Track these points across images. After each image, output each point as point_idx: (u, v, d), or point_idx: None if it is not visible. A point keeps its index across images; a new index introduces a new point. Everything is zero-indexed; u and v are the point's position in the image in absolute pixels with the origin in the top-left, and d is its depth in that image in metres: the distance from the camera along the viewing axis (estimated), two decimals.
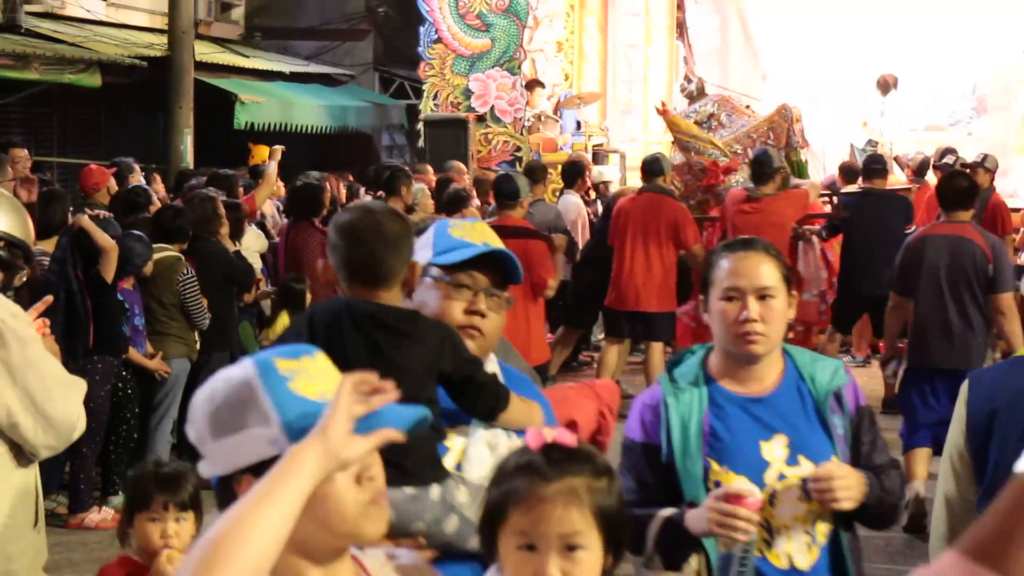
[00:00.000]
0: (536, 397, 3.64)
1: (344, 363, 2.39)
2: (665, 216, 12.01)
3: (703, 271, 3.84)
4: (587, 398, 4.17)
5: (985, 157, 14.30)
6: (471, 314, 3.54)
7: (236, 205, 11.12)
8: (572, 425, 3.81)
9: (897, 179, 15.85)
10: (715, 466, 3.61)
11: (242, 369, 2.26)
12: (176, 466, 4.34)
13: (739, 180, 14.00)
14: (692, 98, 16.78)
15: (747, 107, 16.65)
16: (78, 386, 4.40)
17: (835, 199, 13.32)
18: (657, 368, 11.57)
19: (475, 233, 3.59)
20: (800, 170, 14.78)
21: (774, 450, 3.62)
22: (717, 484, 3.55)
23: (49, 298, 4.48)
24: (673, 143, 15.76)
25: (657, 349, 12.18)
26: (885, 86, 18.83)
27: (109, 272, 8.69)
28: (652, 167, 12.57)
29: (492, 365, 3.63)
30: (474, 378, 3.39)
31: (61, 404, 4.22)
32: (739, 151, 14.89)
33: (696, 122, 16.00)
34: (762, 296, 3.66)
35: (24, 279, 4.79)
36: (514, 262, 3.60)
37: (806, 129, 16.21)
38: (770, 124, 15.48)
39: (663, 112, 15.77)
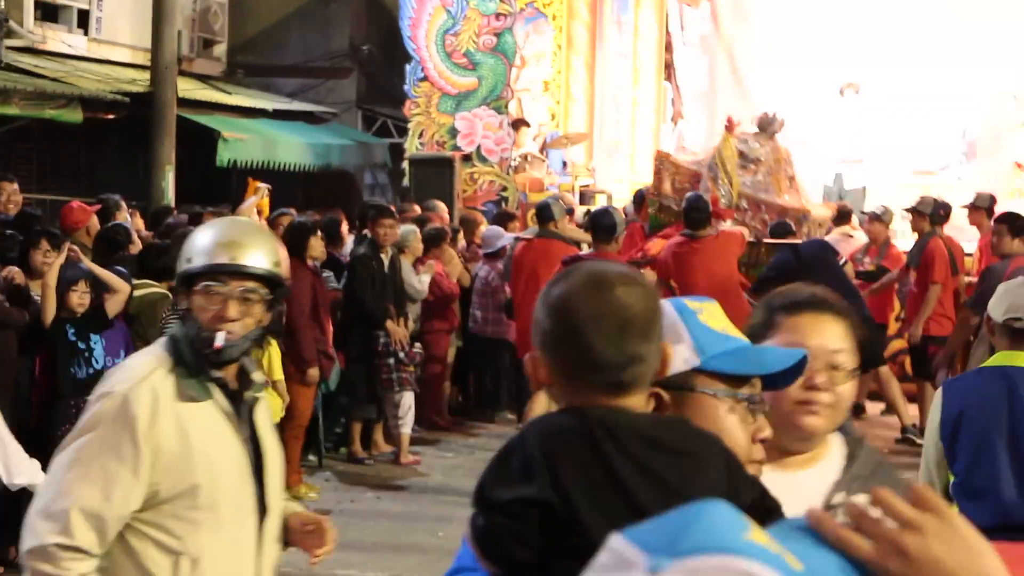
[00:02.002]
0: None
1: (622, 501, 2.29)
2: (556, 261, 11.89)
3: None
4: None
5: (983, 197, 14.15)
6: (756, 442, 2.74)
7: None
8: None
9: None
10: None
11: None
12: None
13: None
14: (762, 129, 16.28)
15: (791, 178, 16.16)
16: None
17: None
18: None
19: (723, 318, 2.77)
20: None
21: None
22: None
23: None
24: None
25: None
26: (847, 91, 18.74)
27: (113, 311, 8.53)
28: (543, 213, 12.56)
29: None
30: (771, 508, 2.57)
31: None
32: (741, 207, 14.70)
33: (741, 152, 15.56)
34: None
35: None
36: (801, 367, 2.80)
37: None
38: (782, 213, 15.16)
39: (730, 125, 15.49)
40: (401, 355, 12.03)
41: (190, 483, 3.66)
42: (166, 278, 9.47)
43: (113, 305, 8.77)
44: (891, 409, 13.55)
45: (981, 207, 14.01)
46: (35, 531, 3.62)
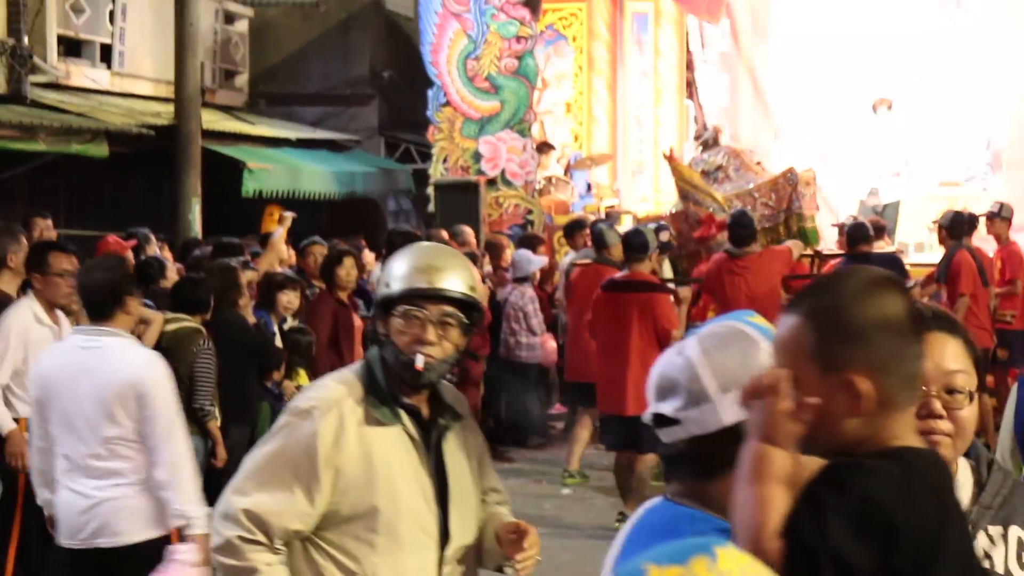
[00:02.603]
0: None
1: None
2: None
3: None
4: None
5: (1001, 207, 14.12)
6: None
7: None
8: None
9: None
10: None
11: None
12: None
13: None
14: (706, 146, 16.67)
15: (758, 163, 16.50)
16: None
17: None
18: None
19: None
20: (805, 236, 14.53)
21: None
22: None
23: None
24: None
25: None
26: (880, 107, 18.74)
27: (147, 343, 8.52)
28: (599, 240, 12.64)
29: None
30: None
31: None
32: (739, 207, 14.72)
33: (703, 171, 15.91)
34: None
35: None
36: None
37: (819, 192, 16.06)
38: (773, 186, 15.34)
39: (670, 158, 15.71)
40: None
41: (370, 505, 3.69)
42: (200, 311, 9.45)
43: (147, 338, 8.76)
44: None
45: (1001, 216, 13.98)
46: (217, 531, 3.74)
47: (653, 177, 20.19)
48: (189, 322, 9.34)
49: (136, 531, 5.90)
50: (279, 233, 12.65)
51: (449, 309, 3.75)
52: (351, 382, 3.79)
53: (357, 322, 11.50)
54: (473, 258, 14.09)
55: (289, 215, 13.00)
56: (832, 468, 2.25)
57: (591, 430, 12.52)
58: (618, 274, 11.16)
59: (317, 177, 21.05)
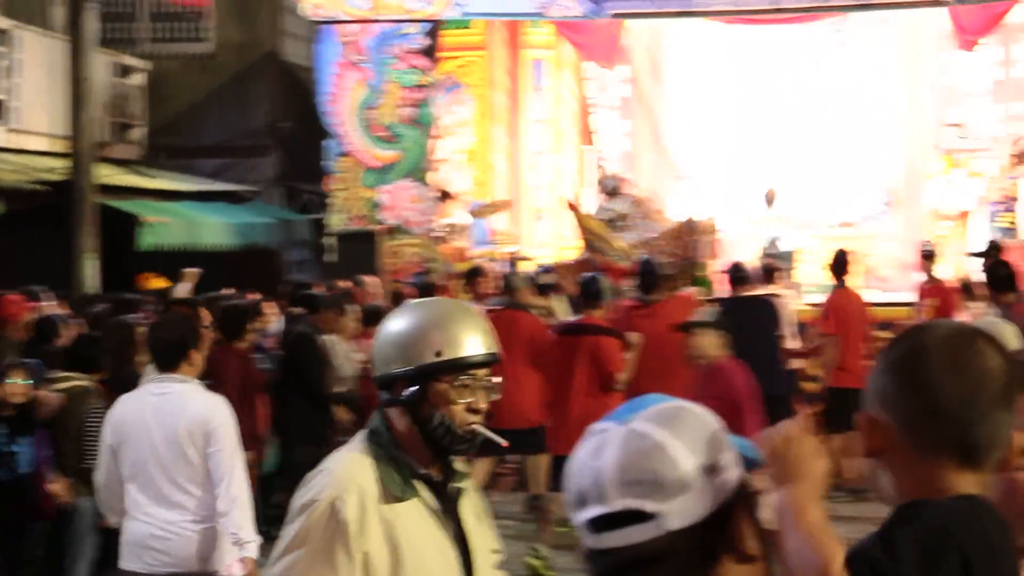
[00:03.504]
0: None
1: None
2: (522, 333, 11.90)
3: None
4: None
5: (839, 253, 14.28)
6: None
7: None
8: None
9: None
10: None
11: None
12: None
13: None
14: (610, 194, 16.74)
15: (658, 211, 16.65)
16: None
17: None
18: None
19: None
20: (699, 283, 14.70)
21: None
22: None
23: None
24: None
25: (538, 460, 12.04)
26: (770, 199, 19.08)
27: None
28: (508, 283, 12.74)
29: None
30: None
31: None
32: (643, 257, 14.82)
33: (608, 220, 16.02)
34: None
35: None
36: None
37: (719, 237, 16.22)
38: (676, 235, 15.48)
39: (572, 207, 15.81)
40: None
41: None
42: (95, 369, 9.29)
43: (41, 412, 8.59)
44: None
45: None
46: None
47: (553, 223, 20.22)
48: (81, 381, 9.18)
49: (194, 562, 6.61)
50: (186, 288, 12.55)
51: (487, 372, 3.65)
52: (358, 458, 3.60)
53: (259, 374, 11.43)
54: (379, 310, 14.01)
55: (195, 271, 12.90)
56: (903, 506, 2.27)
57: (488, 475, 12.47)
58: (571, 319, 11.50)
59: (215, 229, 20.89)
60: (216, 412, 6.72)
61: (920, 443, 2.27)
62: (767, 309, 13.01)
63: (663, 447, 2.14)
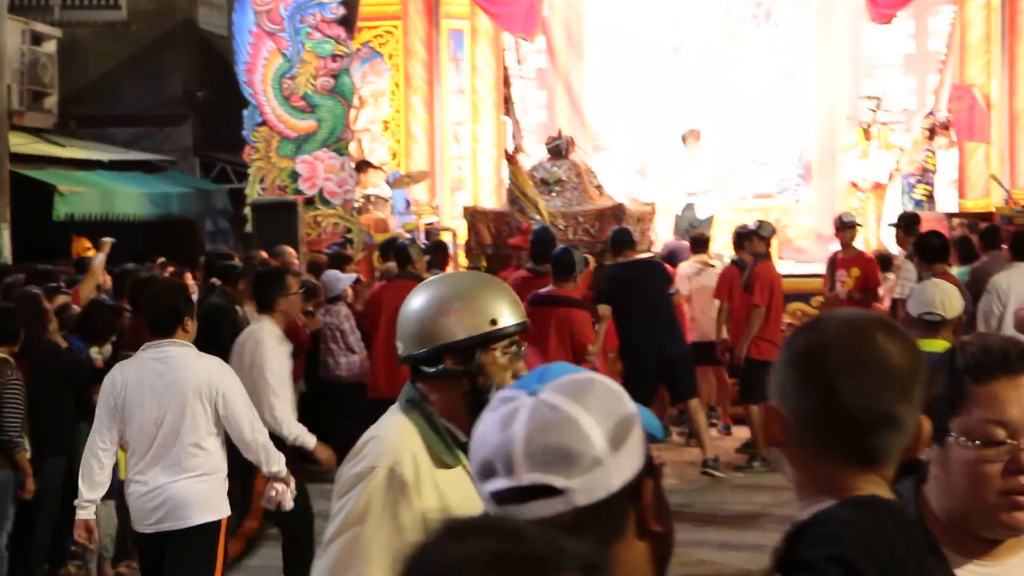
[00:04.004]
0: None
1: None
2: None
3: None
4: None
5: (760, 224, 14.34)
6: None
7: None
8: None
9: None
10: None
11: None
12: None
13: None
14: (554, 154, 16.60)
15: (598, 186, 16.55)
16: None
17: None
18: None
19: None
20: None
21: None
22: None
23: None
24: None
25: None
26: (689, 138, 19.09)
27: None
28: (401, 255, 12.73)
29: None
30: None
31: None
32: (560, 227, 14.83)
33: (543, 180, 15.92)
34: None
35: None
36: None
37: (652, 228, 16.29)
38: (599, 215, 15.46)
39: (510, 159, 15.79)
40: None
41: None
42: (7, 342, 9.20)
43: None
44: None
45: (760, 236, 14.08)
46: None
47: (472, 194, 20.20)
48: None
49: (198, 515, 7.04)
50: (99, 259, 12.46)
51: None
52: (405, 426, 3.60)
53: None
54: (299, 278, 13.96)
55: (108, 240, 12.80)
56: (808, 527, 2.16)
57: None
58: (543, 290, 11.38)
59: (131, 199, 20.71)
60: (220, 373, 7.22)
61: (819, 444, 2.18)
62: (656, 270, 13.18)
63: (575, 422, 2.06)
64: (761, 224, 14.20)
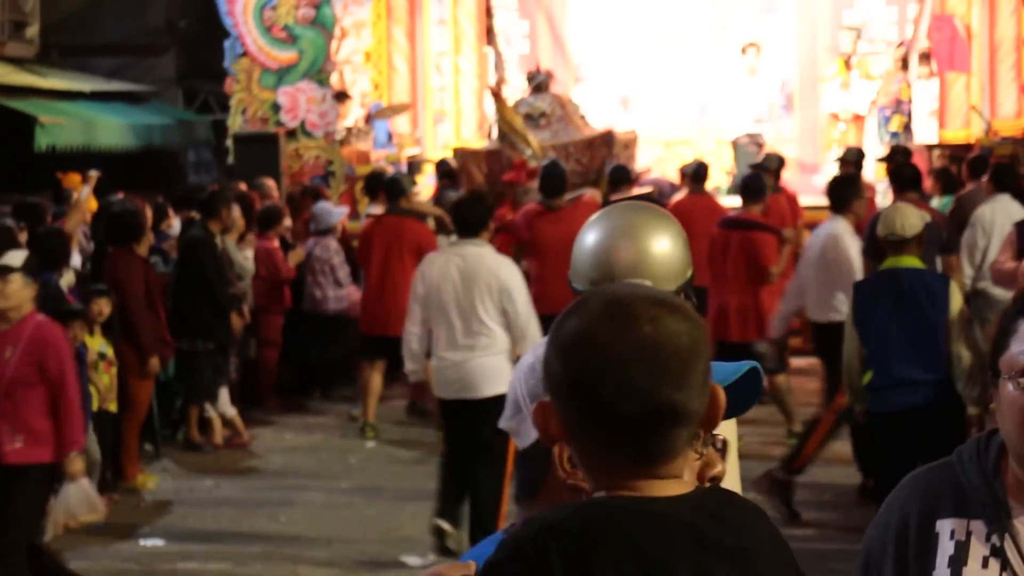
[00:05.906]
0: None
1: None
2: (409, 239, 12.05)
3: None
4: None
5: (767, 157, 14.42)
6: None
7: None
8: None
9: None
10: None
11: None
12: None
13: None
14: (536, 89, 16.64)
15: (582, 117, 16.58)
16: None
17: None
18: None
19: None
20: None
21: None
22: None
23: None
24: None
25: None
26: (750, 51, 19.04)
27: None
28: (392, 188, 12.78)
29: None
30: None
31: None
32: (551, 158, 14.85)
33: (527, 114, 15.92)
34: None
35: None
36: None
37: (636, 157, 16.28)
38: (589, 144, 15.47)
39: (495, 95, 15.79)
40: None
41: None
42: None
43: None
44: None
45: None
46: None
47: (454, 125, 20.20)
48: None
49: (490, 387, 8.26)
50: (85, 192, 12.49)
51: None
52: None
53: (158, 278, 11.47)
54: (277, 211, 14.00)
55: (95, 174, 12.82)
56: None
57: (382, 382, 12.58)
58: (731, 213, 12.03)
59: (113, 130, 20.66)
60: (508, 269, 8.62)
61: (592, 443, 1.96)
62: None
63: (531, 369, 2.19)
64: (767, 157, 14.40)
